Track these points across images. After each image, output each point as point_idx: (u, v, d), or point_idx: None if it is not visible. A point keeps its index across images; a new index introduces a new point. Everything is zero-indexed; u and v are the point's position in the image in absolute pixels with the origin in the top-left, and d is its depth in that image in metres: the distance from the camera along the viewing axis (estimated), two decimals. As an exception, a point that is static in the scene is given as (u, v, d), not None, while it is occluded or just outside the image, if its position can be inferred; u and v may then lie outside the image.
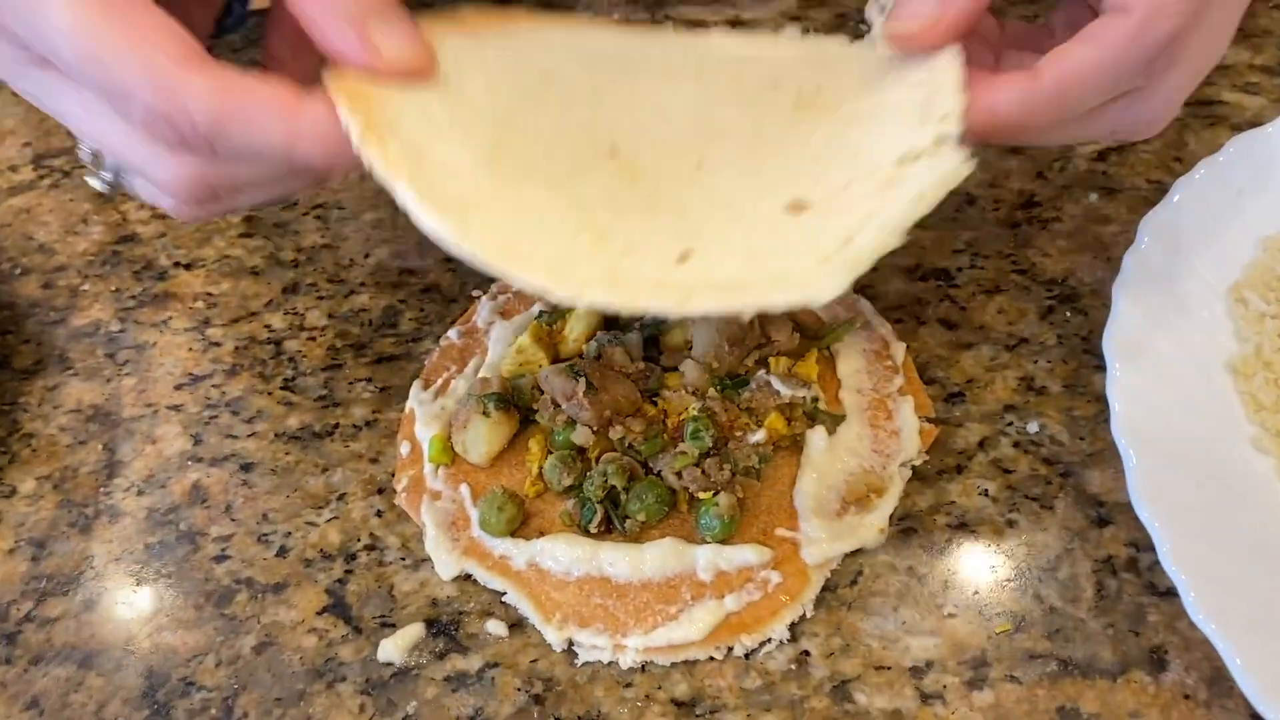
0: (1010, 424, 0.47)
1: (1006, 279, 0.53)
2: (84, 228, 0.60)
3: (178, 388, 0.52)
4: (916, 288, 0.53)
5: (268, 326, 0.54)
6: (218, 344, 0.54)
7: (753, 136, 0.39)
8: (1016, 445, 0.46)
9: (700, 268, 0.34)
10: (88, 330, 0.55)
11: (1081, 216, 0.55)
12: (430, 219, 0.33)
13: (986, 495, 0.45)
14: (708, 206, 0.36)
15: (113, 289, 0.57)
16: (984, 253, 0.54)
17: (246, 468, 0.49)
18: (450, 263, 0.55)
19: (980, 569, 0.43)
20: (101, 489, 0.48)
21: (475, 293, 0.54)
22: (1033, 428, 0.47)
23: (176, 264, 0.58)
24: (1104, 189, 0.56)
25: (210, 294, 0.56)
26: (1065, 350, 0.50)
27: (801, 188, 0.37)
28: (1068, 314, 0.51)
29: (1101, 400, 0.47)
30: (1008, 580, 0.42)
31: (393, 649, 0.42)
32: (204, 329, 0.54)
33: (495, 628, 0.42)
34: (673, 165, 0.38)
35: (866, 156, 0.37)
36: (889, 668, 0.40)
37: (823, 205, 0.36)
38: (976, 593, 0.42)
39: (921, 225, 0.50)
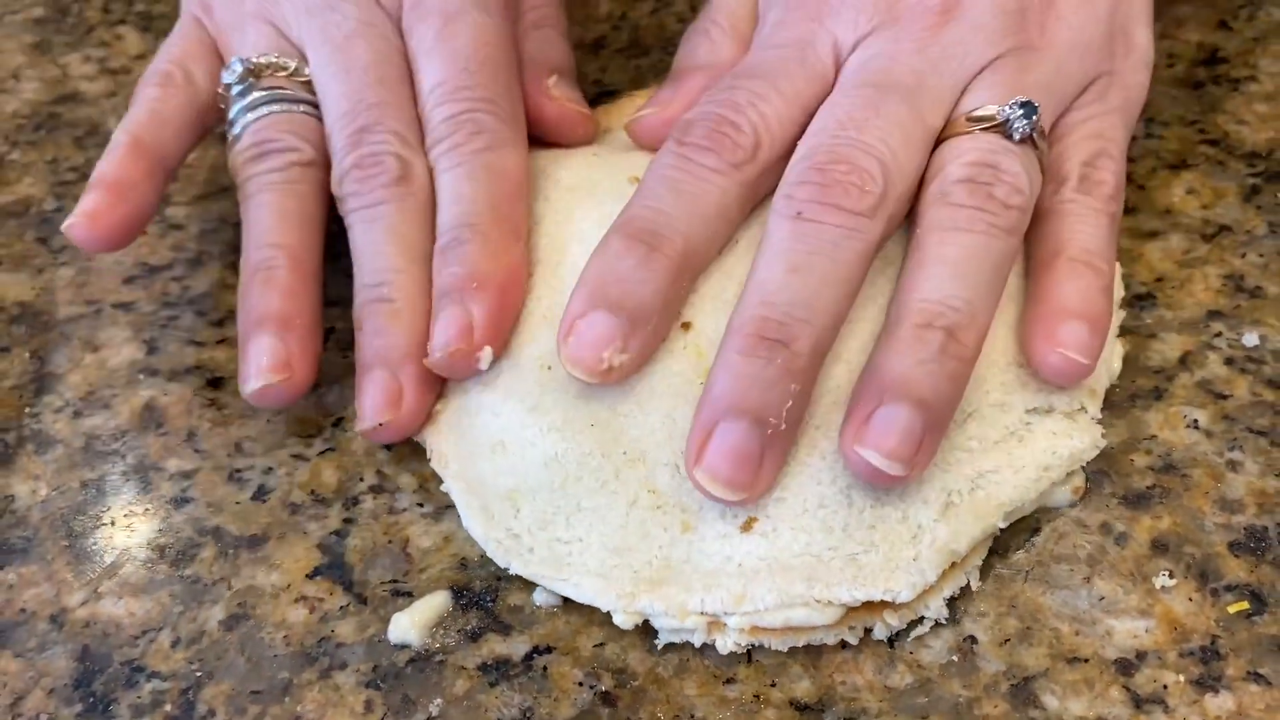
0: (1219, 335, 0.36)
1: (1194, 152, 0.41)
2: (14, 84, 0.49)
3: (127, 281, 0.42)
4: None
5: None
6: (179, 227, 0.44)
7: (850, 327, 0.33)
8: (1230, 363, 0.35)
9: (765, 546, 0.31)
10: (15, 209, 0.45)
11: (1282, 75, 0.43)
12: (476, 529, 0.33)
13: (1196, 427, 0.34)
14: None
15: (48, 159, 0.46)
16: (1161, 119, 0.42)
17: (215, 384, 0.38)
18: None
19: (1198, 526, 0.32)
20: (27, 409, 0.38)
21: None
22: (1249, 340, 0.36)
23: (129, 129, 0.47)
24: (1308, 41, 0.44)
25: (170, 165, 0.45)
26: (1280, 241, 0.38)
27: None
28: (1278, 195, 0.40)
29: (1338, 305, 0.36)
30: (1237, 542, 0.32)
31: (409, 626, 0.32)
32: (162, 208, 0.44)
33: (545, 598, 0.32)
34: None
35: (997, 390, 0.33)
36: (1086, 660, 0.30)
37: None
38: (1196, 559, 0.31)
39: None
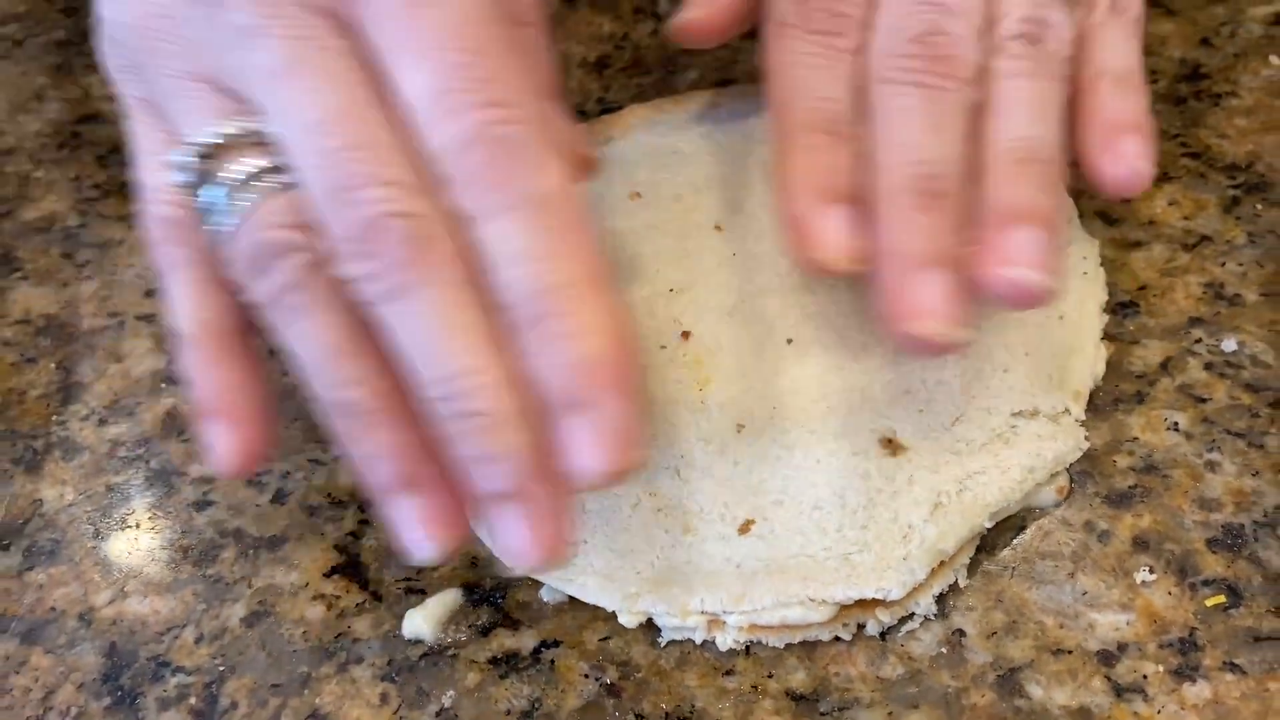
0: (1199, 341, 0.37)
1: (1176, 164, 0.43)
2: (37, 105, 0.50)
3: (149, 294, 0.42)
4: (1066, 173, 0.42)
5: (260, 220, 0.44)
6: (198, 241, 0.44)
7: (844, 337, 0.36)
8: (1209, 367, 0.37)
9: (762, 547, 0.32)
10: (40, 225, 0.45)
11: (1262, 90, 0.45)
12: (484, 531, 0.33)
13: (1177, 430, 0.35)
14: (785, 440, 0.34)
15: (71, 176, 0.47)
16: (1145, 132, 0.44)
17: (234, 392, 0.39)
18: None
19: (1178, 524, 0.33)
20: (54, 417, 0.39)
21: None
22: (1228, 345, 0.37)
23: (149, 147, 0.48)
24: (1287, 57, 0.46)
25: (189, 182, 0.46)
26: (1259, 250, 0.39)
27: (896, 416, 0.34)
28: (1257, 206, 0.41)
29: (1313, 312, 0.37)
30: (1215, 539, 0.33)
31: (422, 622, 0.33)
32: (181, 223, 0.45)
33: (552, 594, 0.33)
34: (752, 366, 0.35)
35: (982, 395, 0.35)
36: (1069, 651, 0.31)
37: (918, 450, 0.34)
38: (1175, 554, 0.33)
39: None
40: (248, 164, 0.29)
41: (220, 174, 0.29)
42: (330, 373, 0.28)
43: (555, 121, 0.31)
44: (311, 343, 0.28)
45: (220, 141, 0.29)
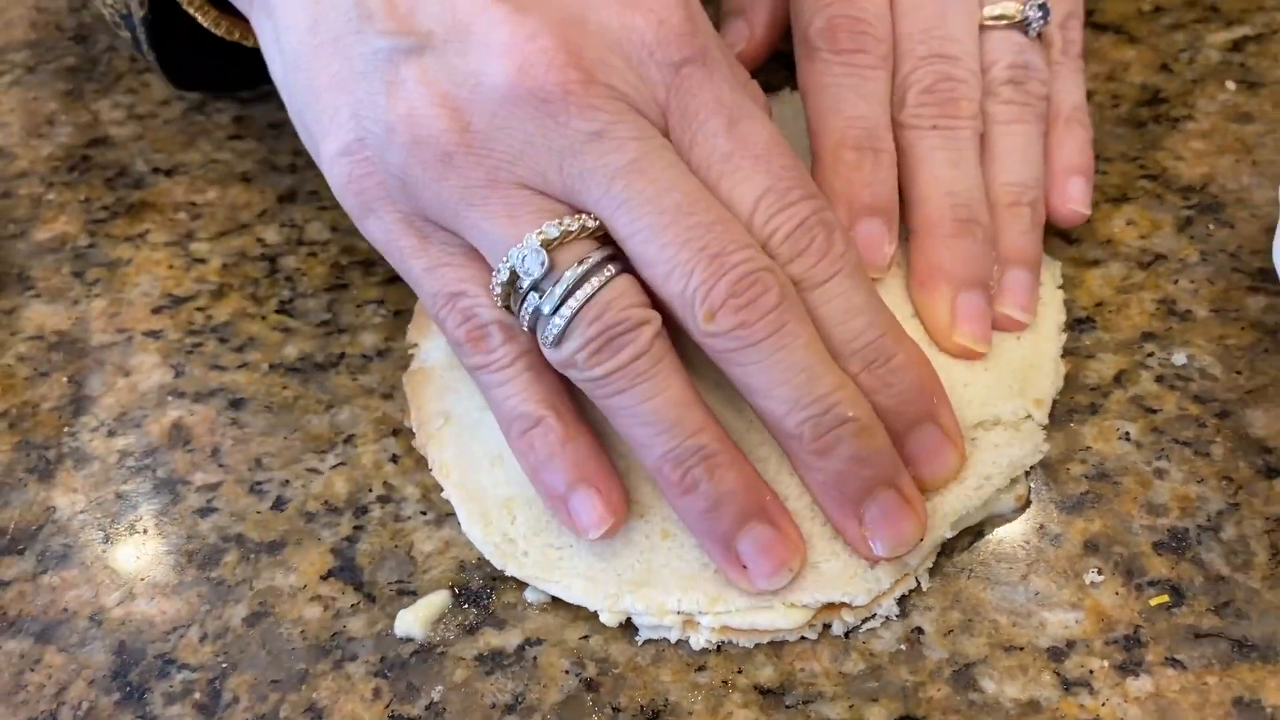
0: (1151, 355, 0.39)
1: (1134, 186, 0.45)
2: (49, 130, 0.52)
3: (156, 311, 0.44)
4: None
5: (261, 240, 0.46)
6: (202, 261, 0.46)
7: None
8: (1160, 380, 0.39)
9: None
10: (52, 245, 0.47)
11: (1218, 114, 0.47)
12: (475, 533, 0.36)
13: (1128, 439, 0.37)
14: (759, 453, 0.35)
15: (81, 198, 0.49)
16: (1105, 155, 0.46)
17: (236, 404, 0.41)
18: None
19: (1126, 528, 0.35)
20: (66, 429, 0.41)
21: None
22: (1178, 359, 0.39)
23: (155, 170, 0.50)
24: (1242, 82, 0.48)
25: (194, 203, 0.48)
26: (1211, 269, 0.41)
27: None
28: (1210, 226, 0.43)
29: (1259, 327, 0.39)
30: (1161, 542, 0.35)
31: (413, 622, 0.35)
32: (187, 244, 0.47)
33: (536, 596, 0.35)
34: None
35: None
36: (1021, 648, 0.33)
37: None
38: (1123, 557, 0.35)
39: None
40: (586, 259, 0.32)
41: (563, 263, 0.32)
42: (680, 424, 0.32)
43: None
44: (660, 400, 0.32)
45: (555, 238, 0.32)
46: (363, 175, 0.34)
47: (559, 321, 0.32)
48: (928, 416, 0.34)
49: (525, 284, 0.32)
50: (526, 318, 0.33)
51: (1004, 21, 0.41)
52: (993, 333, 0.38)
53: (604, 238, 0.33)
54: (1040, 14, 0.41)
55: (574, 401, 0.35)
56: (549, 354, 0.33)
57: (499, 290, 0.33)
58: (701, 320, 0.32)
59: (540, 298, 0.32)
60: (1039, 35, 0.41)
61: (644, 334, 0.32)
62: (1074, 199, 0.41)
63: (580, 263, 0.32)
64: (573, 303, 0.32)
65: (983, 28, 0.41)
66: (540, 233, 0.32)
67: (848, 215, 0.38)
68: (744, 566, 0.33)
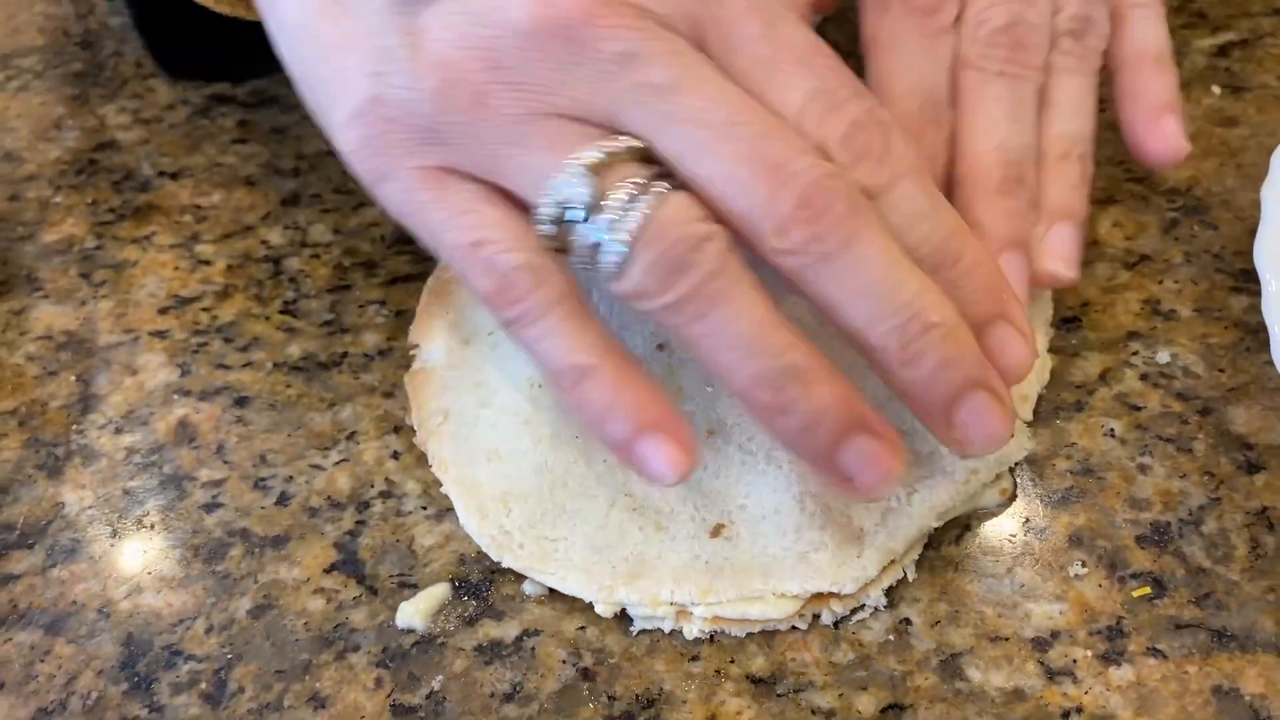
0: (1135, 354, 0.40)
1: (1120, 188, 0.45)
2: (56, 134, 0.53)
3: (162, 312, 0.45)
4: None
5: (265, 242, 0.47)
6: (207, 262, 0.47)
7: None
8: (1144, 378, 0.40)
9: (728, 547, 0.35)
10: (59, 247, 0.48)
11: (1203, 118, 0.48)
12: (472, 525, 0.37)
13: (1113, 436, 0.38)
14: (750, 447, 0.36)
15: (88, 201, 0.50)
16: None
17: (241, 402, 0.42)
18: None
19: (1110, 522, 0.36)
20: (74, 426, 0.42)
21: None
22: (1162, 358, 0.40)
23: (161, 173, 0.51)
24: (1228, 87, 0.49)
25: (199, 206, 0.49)
26: (1195, 269, 0.42)
27: None
28: (1194, 228, 0.44)
29: (1242, 326, 0.40)
30: (1143, 535, 0.36)
31: (413, 613, 0.35)
32: (192, 245, 0.48)
33: (534, 588, 0.36)
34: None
35: None
36: (1006, 639, 0.34)
37: None
38: (1107, 550, 0.35)
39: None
40: (631, 180, 0.30)
41: (607, 197, 0.30)
42: (767, 344, 0.30)
43: None
44: (742, 322, 0.30)
45: (604, 160, 0.30)
46: (380, 134, 0.33)
47: (618, 247, 0.30)
48: (1000, 314, 0.33)
49: (575, 215, 0.30)
50: (583, 253, 0.31)
51: None
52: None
53: (651, 160, 0.31)
54: None
55: (621, 344, 0.33)
56: (615, 289, 0.31)
57: (548, 229, 0.31)
58: (771, 237, 0.30)
59: (593, 228, 0.30)
60: None
61: (710, 249, 0.30)
62: (1171, 134, 0.39)
63: (630, 184, 0.30)
64: (630, 224, 0.29)
65: None
66: (580, 158, 0.30)
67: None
68: (849, 479, 0.31)
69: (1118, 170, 0.46)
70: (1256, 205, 0.43)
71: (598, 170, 0.30)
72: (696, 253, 0.30)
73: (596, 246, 0.30)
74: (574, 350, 0.32)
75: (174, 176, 0.50)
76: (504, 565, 0.36)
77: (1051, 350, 0.40)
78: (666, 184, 0.30)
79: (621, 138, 0.31)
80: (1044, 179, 0.38)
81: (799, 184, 0.29)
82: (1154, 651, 0.33)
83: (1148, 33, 0.40)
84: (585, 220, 0.30)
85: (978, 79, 0.37)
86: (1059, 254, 0.37)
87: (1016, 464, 0.37)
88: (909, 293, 0.30)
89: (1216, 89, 0.48)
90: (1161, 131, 0.39)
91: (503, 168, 0.32)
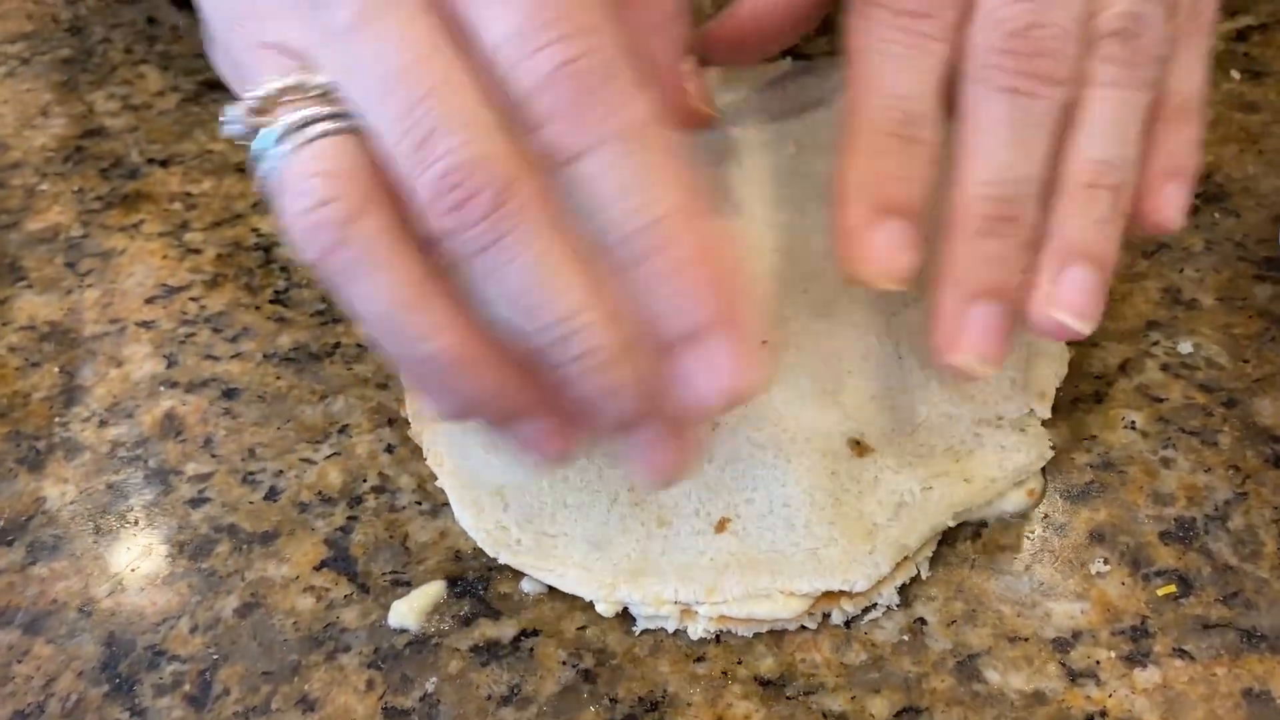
0: (1156, 344, 0.39)
1: (1138, 174, 0.44)
2: (43, 121, 0.52)
3: (149, 301, 0.44)
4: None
5: (255, 230, 0.46)
6: (197, 251, 0.45)
7: (817, 341, 0.36)
8: (1166, 369, 0.38)
9: (735, 543, 0.34)
10: (45, 236, 0.47)
11: (1223, 103, 0.46)
12: (467, 520, 0.35)
13: (1134, 428, 0.37)
14: (758, 439, 0.35)
15: (75, 189, 0.49)
16: (1109, 144, 0.45)
17: (229, 394, 0.41)
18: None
19: (1132, 518, 0.35)
20: (57, 419, 0.40)
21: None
22: (1184, 348, 0.38)
23: (150, 160, 0.49)
24: (1247, 72, 0.47)
25: (189, 194, 0.48)
26: (1216, 257, 0.41)
27: (864, 419, 0.35)
28: (1215, 215, 0.42)
29: (1266, 316, 0.39)
30: (1168, 532, 0.34)
31: (407, 612, 0.34)
32: (181, 233, 0.46)
33: (533, 586, 0.35)
34: None
35: (943, 403, 0.36)
36: (1026, 639, 0.32)
37: (884, 453, 0.35)
38: (1129, 547, 0.34)
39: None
40: (301, 113, 0.27)
41: (277, 115, 0.28)
42: (409, 324, 0.27)
43: (651, 54, 0.30)
44: (380, 300, 0.27)
45: (273, 94, 0.28)
46: (216, 58, 0.34)
47: (275, 177, 0.28)
48: (702, 334, 0.27)
49: (255, 140, 0.28)
50: (262, 174, 0.29)
51: None
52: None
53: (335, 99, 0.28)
54: None
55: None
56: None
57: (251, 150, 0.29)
58: (425, 216, 0.27)
59: (262, 152, 0.28)
60: None
61: (340, 207, 0.27)
62: (1170, 205, 0.33)
63: (292, 118, 0.28)
64: (282, 159, 0.27)
65: None
66: (256, 90, 0.28)
67: (865, 213, 0.31)
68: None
69: (1135, 156, 0.45)
70: (1279, 192, 0.42)
71: (270, 104, 0.28)
72: (327, 209, 0.27)
73: (269, 172, 0.28)
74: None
75: (163, 164, 0.49)
76: (501, 562, 0.35)
77: (1070, 341, 0.39)
78: (330, 124, 0.27)
79: (309, 74, 0.28)
80: (1061, 212, 0.31)
81: (443, 164, 0.26)
82: (1180, 653, 0.32)
83: (1181, 69, 0.33)
84: (260, 144, 0.28)
85: (978, 95, 0.31)
86: (1068, 303, 0.31)
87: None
88: (562, 309, 0.26)
89: (1236, 74, 0.47)
90: (1160, 199, 0.33)
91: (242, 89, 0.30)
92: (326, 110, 0.27)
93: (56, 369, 0.42)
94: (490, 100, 0.27)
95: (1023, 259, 0.31)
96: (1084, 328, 0.31)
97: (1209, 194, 0.43)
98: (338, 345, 0.42)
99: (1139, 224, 0.33)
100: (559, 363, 0.27)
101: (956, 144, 0.32)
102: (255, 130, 0.28)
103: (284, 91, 0.28)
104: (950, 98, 0.32)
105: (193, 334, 0.43)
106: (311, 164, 0.27)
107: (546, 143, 0.26)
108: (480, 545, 0.35)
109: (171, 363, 0.42)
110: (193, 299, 0.44)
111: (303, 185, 0.27)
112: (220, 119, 0.30)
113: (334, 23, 0.27)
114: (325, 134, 0.27)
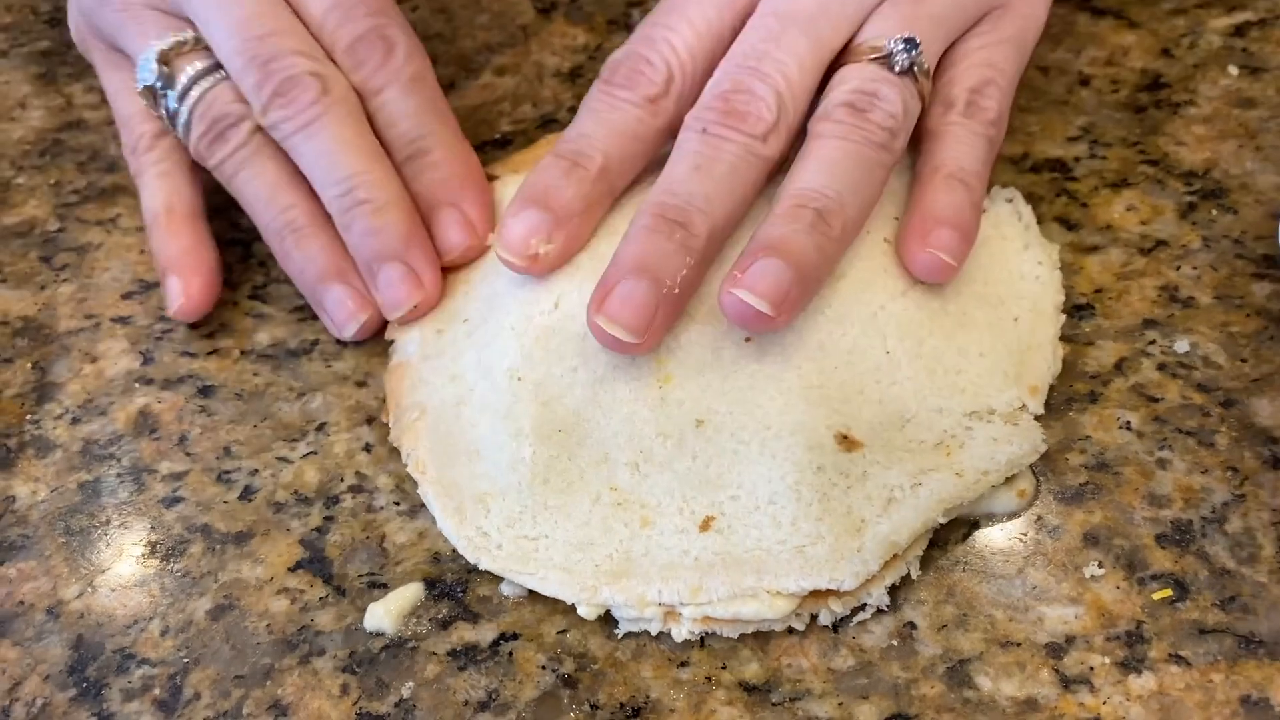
0: (1153, 342, 0.38)
1: (1134, 171, 0.43)
2: (20, 113, 0.51)
3: (125, 297, 0.43)
4: (1027, 180, 0.43)
5: (234, 225, 0.45)
6: (174, 245, 0.44)
7: (801, 335, 0.36)
8: (1162, 368, 0.37)
9: (719, 541, 0.33)
10: (20, 230, 0.46)
11: (1220, 99, 0.45)
12: (449, 527, 0.35)
13: (1129, 429, 0.36)
14: (742, 435, 0.34)
15: (52, 182, 0.48)
16: (1105, 140, 0.44)
17: (205, 391, 0.40)
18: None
19: (1127, 520, 0.34)
20: (29, 416, 0.39)
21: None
22: (1181, 347, 0.38)
23: (128, 154, 0.48)
24: (1245, 68, 0.47)
25: (167, 187, 0.47)
26: (1213, 255, 0.40)
27: (851, 413, 0.35)
28: (1213, 212, 0.42)
29: (1265, 314, 0.38)
30: (1164, 534, 0.33)
31: (383, 615, 0.33)
32: (158, 228, 0.45)
33: (513, 589, 0.34)
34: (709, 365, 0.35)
35: (933, 396, 0.35)
36: (1018, 644, 0.31)
37: (873, 447, 0.34)
38: (1124, 550, 0.33)
39: (1025, 108, 0.43)
40: (194, 65, 0.40)
41: (177, 77, 0.40)
42: (274, 202, 0.39)
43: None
44: (259, 182, 0.40)
45: (169, 49, 0.40)
46: (74, 28, 0.45)
47: (181, 118, 0.40)
48: (452, 203, 0.39)
49: (155, 88, 0.40)
50: (169, 119, 0.40)
51: (868, 56, 0.37)
52: (983, 315, 0.37)
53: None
54: (905, 49, 0.37)
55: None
56: (190, 149, 0.40)
57: (144, 100, 0.41)
58: (258, 115, 0.39)
59: (170, 101, 0.40)
60: (911, 74, 0.37)
61: (240, 128, 0.39)
62: (936, 244, 0.36)
63: (193, 69, 0.40)
64: (189, 101, 0.40)
65: (842, 64, 0.37)
66: (154, 45, 0.40)
67: (515, 206, 0.37)
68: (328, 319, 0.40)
69: (1131, 152, 0.44)
70: (1277, 189, 0.41)
71: (167, 57, 0.40)
72: (230, 129, 0.39)
73: (175, 115, 0.40)
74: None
75: (142, 157, 0.48)
76: (482, 568, 0.34)
77: (1063, 338, 0.38)
78: (221, 73, 0.40)
79: (189, 31, 0.40)
80: (766, 222, 0.35)
81: (280, 77, 0.38)
82: (1177, 658, 0.31)
83: (949, 150, 0.38)
84: (166, 94, 0.40)
85: (683, 137, 0.37)
86: (749, 284, 0.33)
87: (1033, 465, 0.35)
88: (348, 170, 0.38)
89: (1234, 69, 0.46)
90: (926, 240, 0.36)
91: (125, 48, 0.42)
92: (213, 61, 0.40)
93: (29, 365, 0.41)
94: (317, 43, 0.40)
95: (685, 259, 0.34)
96: (762, 307, 0.33)
97: (1206, 190, 0.42)
98: (316, 342, 0.41)
99: (910, 264, 0.36)
100: (343, 209, 0.38)
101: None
102: (163, 78, 0.40)
103: (176, 46, 0.40)
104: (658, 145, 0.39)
105: (169, 330, 0.42)
106: (223, 97, 0.40)
107: (359, 81, 0.40)
108: (461, 552, 0.34)
109: (147, 359, 0.41)
110: (169, 294, 0.43)
111: (221, 111, 0.40)
112: (136, 72, 0.40)
113: None
114: (216, 83, 0.40)
